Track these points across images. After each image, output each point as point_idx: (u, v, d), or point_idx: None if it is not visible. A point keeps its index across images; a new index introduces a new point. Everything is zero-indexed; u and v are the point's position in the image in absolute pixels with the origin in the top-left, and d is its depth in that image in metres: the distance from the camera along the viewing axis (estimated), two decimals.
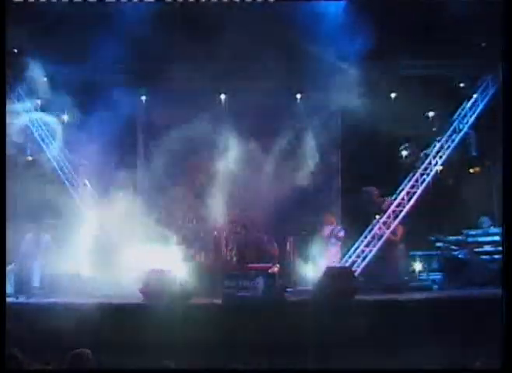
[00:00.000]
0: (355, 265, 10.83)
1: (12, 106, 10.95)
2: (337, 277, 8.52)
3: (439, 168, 11.38)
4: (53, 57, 10.44)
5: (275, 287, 8.23)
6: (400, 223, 10.94)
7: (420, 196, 11.20)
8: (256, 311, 7.81)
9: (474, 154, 11.42)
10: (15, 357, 4.88)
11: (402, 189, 11.33)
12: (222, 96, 11.88)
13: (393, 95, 11.61)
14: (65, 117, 11.44)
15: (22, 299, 9.34)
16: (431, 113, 11.49)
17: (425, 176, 11.30)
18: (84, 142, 11.26)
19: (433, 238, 10.98)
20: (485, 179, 12.12)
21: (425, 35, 10.44)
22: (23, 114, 11.35)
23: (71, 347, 5.05)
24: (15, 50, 10.39)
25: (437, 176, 11.44)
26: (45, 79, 11.24)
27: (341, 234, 10.58)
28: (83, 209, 11.08)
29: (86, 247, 10.90)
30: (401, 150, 11.39)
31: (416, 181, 11.29)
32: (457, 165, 12.19)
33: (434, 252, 11.04)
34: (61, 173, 11.28)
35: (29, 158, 11.42)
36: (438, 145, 11.43)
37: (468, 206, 11.85)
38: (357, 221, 11.68)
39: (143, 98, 12.10)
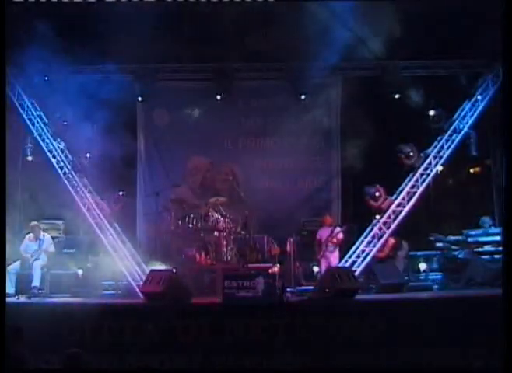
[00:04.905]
0: (355, 265, 10.83)
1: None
2: (337, 277, 8.51)
3: (439, 168, 11.37)
4: (52, 57, 10.41)
5: (275, 287, 8.22)
6: (386, 240, 10.95)
7: (420, 196, 11.19)
8: (256, 311, 7.80)
9: (474, 154, 11.41)
10: None
11: (402, 190, 11.33)
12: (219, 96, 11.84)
13: (393, 95, 11.60)
14: (65, 117, 11.41)
15: (22, 299, 9.34)
16: (431, 113, 11.48)
17: (425, 176, 11.29)
18: (84, 142, 11.29)
19: (432, 238, 10.96)
20: (485, 179, 12.13)
21: (425, 35, 10.44)
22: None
23: (71, 348, 5.05)
24: (16, 49, 10.35)
25: (437, 176, 11.43)
26: (45, 79, 11.27)
27: (340, 236, 10.57)
28: (83, 209, 11.06)
29: (87, 247, 10.92)
30: (402, 149, 11.37)
31: (416, 181, 11.28)
32: (457, 165, 12.20)
33: (434, 252, 11.03)
34: (61, 173, 11.25)
35: (30, 158, 11.41)
36: (438, 145, 11.42)
37: (468, 206, 11.85)
38: (357, 221, 11.70)
39: (140, 99, 12.06)
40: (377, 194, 11.18)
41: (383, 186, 11.26)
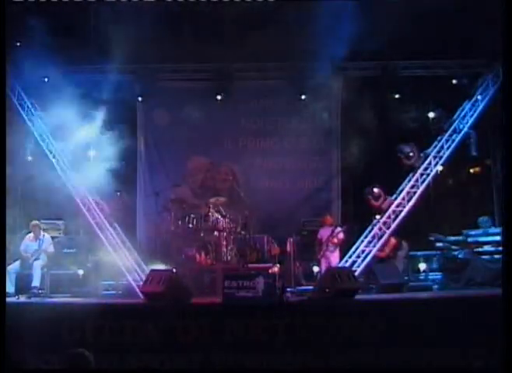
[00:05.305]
0: (355, 265, 10.83)
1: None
2: (337, 277, 8.51)
3: (439, 168, 11.37)
4: (52, 57, 10.40)
5: (275, 287, 8.21)
6: (388, 239, 10.93)
7: (420, 196, 11.19)
8: (256, 311, 7.80)
9: (474, 154, 11.41)
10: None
11: (402, 190, 11.33)
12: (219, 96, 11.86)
13: (393, 95, 11.61)
14: (65, 116, 11.41)
15: (22, 299, 9.34)
16: (431, 115, 11.49)
17: (425, 176, 11.29)
18: (84, 142, 11.29)
19: (432, 238, 10.96)
20: (485, 179, 12.13)
21: (425, 35, 10.44)
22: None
23: (71, 347, 5.04)
24: (16, 49, 10.35)
25: (437, 176, 11.43)
26: (45, 79, 11.27)
27: (341, 236, 10.57)
28: (83, 209, 11.06)
29: (87, 247, 10.91)
30: (402, 150, 11.37)
31: (416, 181, 11.28)
32: (457, 165, 12.20)
33: (434, 252, 11.03)
34: (61, 173, 11.25)
35: (30, 158, 11.40)
36: (438, 145, 11.42)
37: (468, 206, 11.85)
38: (357, 221, 11.70)
39: (140, 99, 12.08)
40: (376, 191, 11.18)
41: (383, 186, 11.26)
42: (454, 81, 11.59)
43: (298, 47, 10.63)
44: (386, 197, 11.26)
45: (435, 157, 11.37)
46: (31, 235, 10.14)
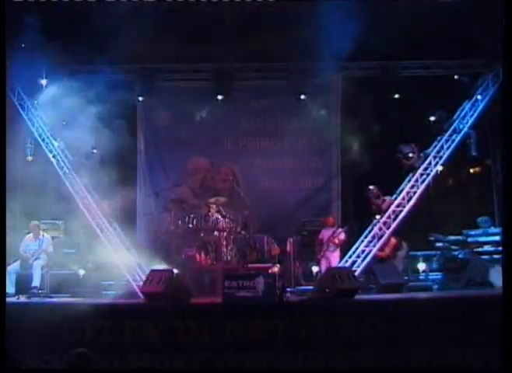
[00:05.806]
0: (355, 265, 10.83)
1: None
2: (337, 277, 8.51)
3: (439, 168, 11.37)
4: (52, 57, 10.40)
5: (275, 287, 8.21)
6: (388, 239, 10.90)
7: (420, 196, 11.19)
8: (256, 311, 7.80)
9: (474, 154, 11.41)
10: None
11: (402, 190, 11.32)
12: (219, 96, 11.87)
13: (393, 95, 11.61)
14: (65, 117, 11.41)
15: (22, 299, 9.34)
16: (432, 118, 11.49)
17: (425, 176, 11.29)
18: (84, 142, 11.29)
19: (432, 238, 10.96)
20: (485, 179, 12.13)
21: (425, 34, 10.44)
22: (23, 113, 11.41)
23: (71, 347, 5.05)
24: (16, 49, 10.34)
25: (437, 176, 11.43)
26: (45, 78, 11.26)
27: (342, 237, 10.58)
28: (83, 209, 11.06)
29: (87, 247, 10.90)
30: (401, 150, 11.38)
31: (416, 181, 11.28)
32: (457, 165, 12.20)
33: (434, 252, 11.03)
34: (61, 173, 11.25)
35: (30, 158, 11.41)
36: (438, 145, 11.42)
37: (468, 206, 11.85)
38: (357, 221, 11.70)
39: (140, 98, 12.09)
40: (373, 189, 11.19)
41: (383, 186, 11.26)
42: (454, 82, 11.60)
43: (298, 47, 10.62)
44: (384, 198, 11.25)
45: (435, 157, 11.37)
46: (31, 235, 10.14)
